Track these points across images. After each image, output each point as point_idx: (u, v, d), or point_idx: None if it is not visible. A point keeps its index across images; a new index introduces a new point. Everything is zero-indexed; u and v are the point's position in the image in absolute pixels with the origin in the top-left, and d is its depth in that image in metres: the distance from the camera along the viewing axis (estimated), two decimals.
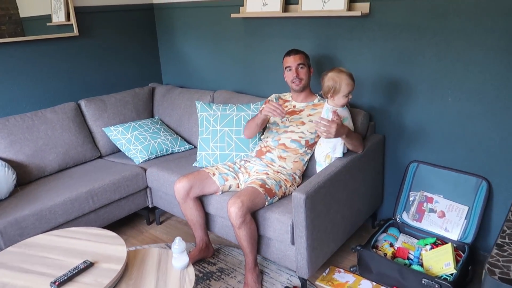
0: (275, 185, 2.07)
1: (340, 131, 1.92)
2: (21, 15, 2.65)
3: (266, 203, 1.99)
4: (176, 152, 2.88)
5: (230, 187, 2.20)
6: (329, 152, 2.07)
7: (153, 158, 2.77)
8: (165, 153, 2.83)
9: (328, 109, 2.03)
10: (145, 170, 2.61)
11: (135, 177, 2.53)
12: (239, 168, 2.26)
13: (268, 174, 2.16)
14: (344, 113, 2.04)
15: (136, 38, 3.31)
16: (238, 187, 2.21)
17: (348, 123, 2.06)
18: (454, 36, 1.96)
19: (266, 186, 2.02)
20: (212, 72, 3.14)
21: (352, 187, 2.10)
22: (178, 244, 1.62)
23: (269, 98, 2.40)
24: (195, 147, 2.95)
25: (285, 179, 2.16)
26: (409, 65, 2.14)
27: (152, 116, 3.22)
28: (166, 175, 2.46)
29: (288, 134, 2.23)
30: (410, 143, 2.27)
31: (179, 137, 2.95)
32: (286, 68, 2.25)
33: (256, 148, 2.35)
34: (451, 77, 2.03)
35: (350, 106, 2.40)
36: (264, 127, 2.47)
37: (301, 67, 2.20)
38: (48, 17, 2.80)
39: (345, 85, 1.95)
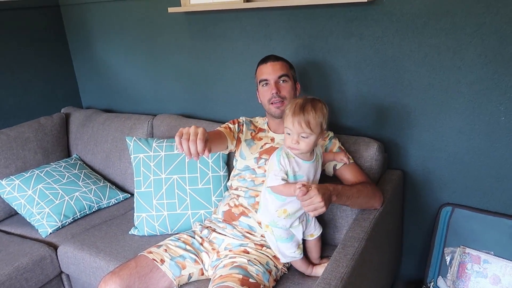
0: (262, 273, 1.31)
1: (326, 194, 1.17)
2: None
3: None
4: (105, 208, 2.02)
5: (190, 277, 1.40)
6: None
7: (69, 224, 1.88)
8: (88, 212, 1.96)
9: (280, 152, 1.27)
10: (56, 249, 1.73)
11: (39, 263, 1.65)
12: (201, 244, 1.47)
13: (248, 252, 1.39)
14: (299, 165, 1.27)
15: (37, 48, 2.37)
16: (203, 274, 1.42)
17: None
18: (511, 25, 1.32)
19: (251, 280, 1.25)
20: (149, 89, 2.29)
21: (377, 260, 1.40)
22: None
23: (240, 119, 1.64)
24: (132, 195, 2.10)
25: (274, 256, 1.41)
26: (439, 71, 1.48)
27: (68, 155, 2.32)
28: (88, 258, 1.61)
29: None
30: (441, 180, 1.61)
31: (108, 184, 2.09)
32: (260, 82, 1.49)
33: (222, 207, 1.57)
34: (506, 87, 1.39)
35: (352, 133, 1.70)
36: (228, 160, 1.73)
37: (283, 81, 1.46)
38: None
39: (286, 116, 1.24)
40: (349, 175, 1.43)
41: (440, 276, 1.64)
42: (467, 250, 1.59)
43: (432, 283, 1.65)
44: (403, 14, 1.47)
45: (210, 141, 1.36)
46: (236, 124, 1.61)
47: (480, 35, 1.36)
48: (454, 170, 1.57)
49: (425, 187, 1.66)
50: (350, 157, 1.49)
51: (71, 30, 2.46)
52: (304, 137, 1.21)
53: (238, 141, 1.59)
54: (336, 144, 1.49)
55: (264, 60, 1.49)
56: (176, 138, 1.12)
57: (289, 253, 1.36)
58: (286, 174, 1.24)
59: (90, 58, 2.45)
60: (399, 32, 1.50)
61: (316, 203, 1.13)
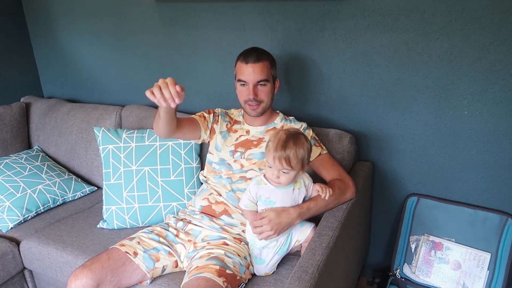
0: (239, 265, 1.31)
1: (280, 227, 1.28)
2: None
3: None
4: (70, 201, 1.94)
5: (164, 270, 1.38)
6: None
7: (32, 218, 1.80)
8: (52, 206, 1.87)
9: (258, 183, 1.31)
10: (19, 244, 1.65)
11: (0, 259, 1.57)
12: (176, 235, 1.45)
13: (227, 244, 1.39)
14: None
15: None
16: (177, 267, 1.41)
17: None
18: (475, 24, 1.39)
19: (228, 271, 1.26)
20: (116, 78, 2.22)
21: (349, 249, 1.44)
22: None
23: (216, 110, 1.64)
24: (99, 188, 2.04)
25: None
26: (408, 66, 1.53)
27: (28, 146, 2.21)
28: (54, 253, 1.55)
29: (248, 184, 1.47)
30: (408, 171, 1.68)
31: (74, 177, 2.01)
32: (239, 80, 1.48)
33: (200, 201, 1.52)
34: (469, 83, 1.46)
35: (324, 124, 1.74)
36: (201, 152, 1.72)
37: (262, 85, 1.45)
38: None
39: (268, 151, 1.25)
40: (324, 172, 1.47)
41: (406, 263, 1.71)
42: (431, 237, 1.67)
43: (398, 270, 1.72)
44: (374, 9, 1.51)
45: (183, 125, 1.42)
46: (212, 114, 1.60)
47: (446, 32, 1.43)
48: (420, 162, 1.64)
49: (393, 178, 1.72)
50: (324, 147, 1.52)
51: (31, 14, 2.33)
52: (285, 173, 1.24)
53: (212, 132, 1.58)
54: (309, 134, 1.51)
55: (245, 59, 1.43)
56: (147, 92, 1.11)
57: (263, 273, 1.38)
58: (256, 198, 1.31)
59: (52, 44, 2.34)
60: (370, 27, 1.54)
61: (266, 231, 1.26)
